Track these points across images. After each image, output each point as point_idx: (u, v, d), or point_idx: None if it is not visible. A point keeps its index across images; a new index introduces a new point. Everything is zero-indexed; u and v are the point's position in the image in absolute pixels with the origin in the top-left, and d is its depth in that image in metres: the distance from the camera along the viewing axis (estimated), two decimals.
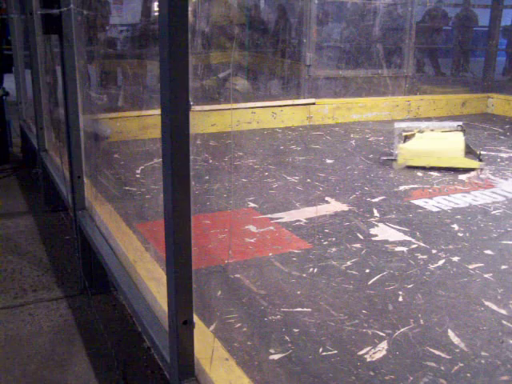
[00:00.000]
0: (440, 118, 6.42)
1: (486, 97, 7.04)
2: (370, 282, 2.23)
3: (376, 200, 3.31)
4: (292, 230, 2.81)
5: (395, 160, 4.25)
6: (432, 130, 4.41)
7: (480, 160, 4.20)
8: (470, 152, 4.30)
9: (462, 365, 1.68)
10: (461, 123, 4.45)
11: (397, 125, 4.49)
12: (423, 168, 4.08)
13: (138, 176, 3.80)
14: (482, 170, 4.07)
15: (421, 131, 4.38)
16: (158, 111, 1.27)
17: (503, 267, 2.39)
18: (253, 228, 2.84)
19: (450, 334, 1.85)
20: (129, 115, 5.06)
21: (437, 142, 4.28)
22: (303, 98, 6.04)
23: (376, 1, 6.67)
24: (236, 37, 6.23)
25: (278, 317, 1.95)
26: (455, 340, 1.81)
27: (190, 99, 1.22)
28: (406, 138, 4.37)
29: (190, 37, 1.17)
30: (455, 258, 2.47)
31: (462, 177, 3.87)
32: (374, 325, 1.90)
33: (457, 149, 4.18)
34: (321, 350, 1.75)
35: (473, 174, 3.96)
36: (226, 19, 6.13)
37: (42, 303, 2.58)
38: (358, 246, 2.61)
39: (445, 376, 1.63)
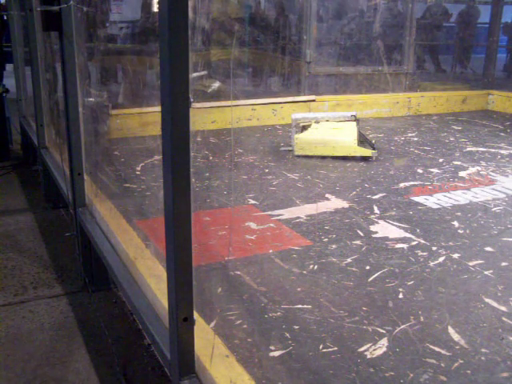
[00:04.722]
0: (440, 115, 6.42)
1: (486, 93, 7.03)
2: (370, 279, 2.23)
3: (376, 197, 3.31)
4: (292, 227, 2.81)
5: (292, 150, 4.35)
6: (327, 121, 4.49)
7: (373, 148, 4.28)
8: (363, 141, 4.39)
9: (462, 361, 1.68)
10: (354, 113, 4.53)
11: (293, 116, 4.54)
12: (323, 157, 4.19)
13: (138, 173, 3.80)
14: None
15: (317, 122, 4.43)
16: (158, 108, 1.27)
17: (503, 264, 2.39)
18: (253, 225, 2.84)
19: (450, 330, 1.85)
20: (129, 112, 5.05)
21: (331, 131, 4.37)
22: (303, 95, 6.03)
23: None
24: (236, 33, 6.21)
25: (279, 314, 1.95)
26: (455, 337, 1.81)
27: (190, 96, 1.22)
28: (303, 129, 4.44)
29: (190, 33, 1.17)
30: (455, 255, 2.47)
31: (463, 173, 3.87)
32: (374, 322, 1.90)
33: (350, 138, 4.26)
34: (321, 346, 1.75)
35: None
36: (225, 15, 6.11)
37: (42, 300, 2.59)
38: (358, 242, 2.61)
39: (445, 373, 1.63)
